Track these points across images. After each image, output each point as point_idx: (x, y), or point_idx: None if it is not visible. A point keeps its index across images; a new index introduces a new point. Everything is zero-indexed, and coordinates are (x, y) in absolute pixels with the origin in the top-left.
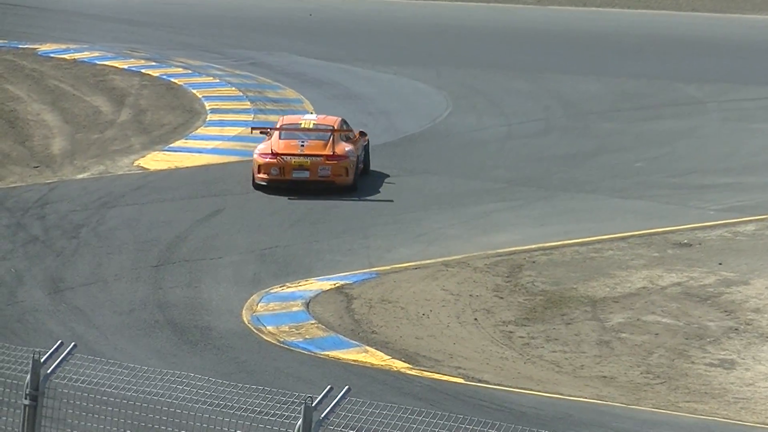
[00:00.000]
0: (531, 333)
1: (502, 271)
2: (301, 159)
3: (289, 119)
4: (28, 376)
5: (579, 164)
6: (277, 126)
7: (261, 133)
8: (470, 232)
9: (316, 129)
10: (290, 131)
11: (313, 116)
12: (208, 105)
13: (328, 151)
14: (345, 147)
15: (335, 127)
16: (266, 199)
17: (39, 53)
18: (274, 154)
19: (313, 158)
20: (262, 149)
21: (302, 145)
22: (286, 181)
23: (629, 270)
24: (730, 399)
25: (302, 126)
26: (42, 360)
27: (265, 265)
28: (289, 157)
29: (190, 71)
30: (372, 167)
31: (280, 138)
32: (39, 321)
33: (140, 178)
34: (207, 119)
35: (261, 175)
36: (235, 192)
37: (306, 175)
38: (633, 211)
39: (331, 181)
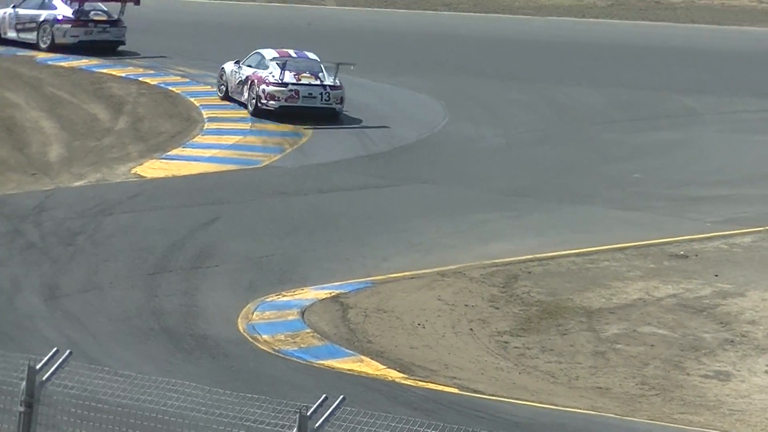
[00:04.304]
0: (526, 343)
1: (498, 282)
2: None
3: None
4: (24, 383)
5: (576, 174)
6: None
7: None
8: (466, 242)
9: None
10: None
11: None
12: (205, 113)
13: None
14: None
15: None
16: (263, 208)
17: (37, 60)
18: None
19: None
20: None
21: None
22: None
23: (625, 281)
24: (726, 411)
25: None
26: (37, 367)
27: (261, 274)
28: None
29: (187, 79)
30: (369, 176)
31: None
32: (35, 327)
33: (137, 186)
34: (204, 127)
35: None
36: (231, 200)
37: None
38: (630, 222)
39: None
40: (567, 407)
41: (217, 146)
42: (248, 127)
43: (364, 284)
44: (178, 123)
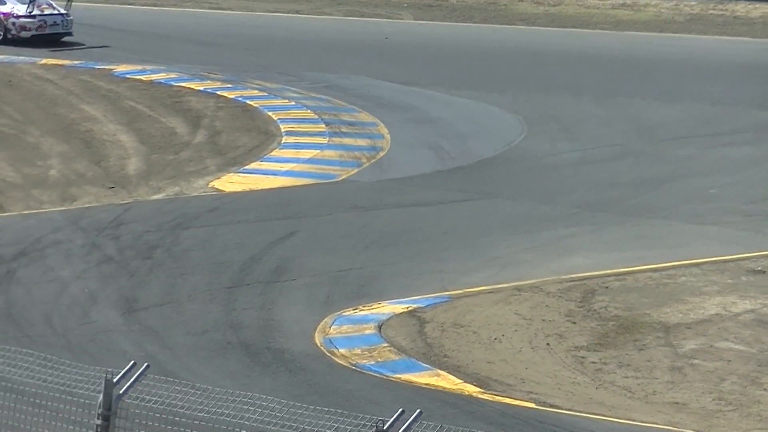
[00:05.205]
0: (603, 358)
1: (575, 296)
2: None
3: None
4: (101, 396)
5: (653, 189)
6: None
7: None
8: (543, 257)
9: None
10: None
11: None
12: (283, 127)
13: None
14: None
15: None
16: (340, 222)
17: (115, 74)
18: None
19: None
20: None
21: None
22: None
23: (702, 296)
24: None
25: None
26: (115, 380)
27: (338, 288)
28: None
29: (265, 93)
30: (446, 191)
31: None
32: (112, 341)
33: (215, 200)
34: (282, 141)
35: None
36: (309, 214)
37: None
38: (707, 237)
39: None
40: (644, 422)
41: (295, 160)
42: (326, 142)
43: (441, 299)
44: (256, 137)
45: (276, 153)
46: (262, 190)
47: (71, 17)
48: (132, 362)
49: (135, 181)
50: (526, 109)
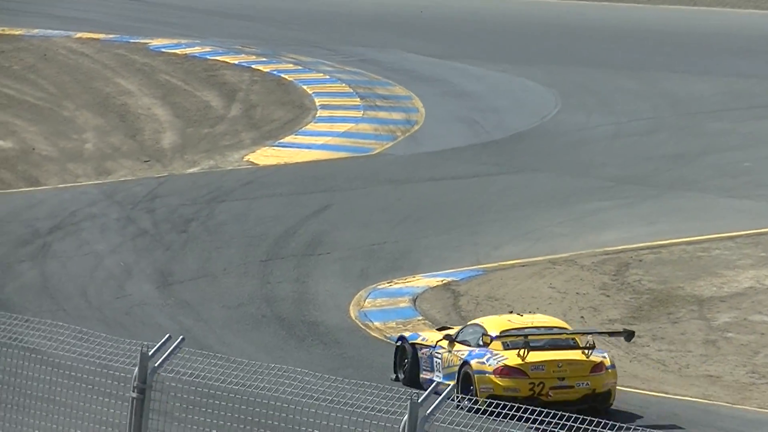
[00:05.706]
0: (637, 332)
1: (609, 270)
2: None
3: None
4: (136, 369)
5: (687, 163)
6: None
7: None
8: (578, 230)
9: None
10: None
11: None
12: (318, 101)
13: None
14: None
15: None
16: (375, 196)
17: (150, 48)
18: None
19: None
20: None
21: None
22: None
23: (736, 269)
24: None
25: None
26: (150, 353)
27: (372, 261)
28: None
29: (300, 67)
30: (481, 165)
31: None
32: (147, 314)
33: (249, 173)
34: (317, 115)
35: None
36: (343, 188)
37: None
38: (741, 211)
39: None
40: (678, 395)
41: (330, 134)
42: (360, 115)
43: (476, 272)
44: (291, 110)
45: (311, 126)
46: (296, 163)
47: None
48: (167, 335)
49: (170, 154)
50: (561, 83)
